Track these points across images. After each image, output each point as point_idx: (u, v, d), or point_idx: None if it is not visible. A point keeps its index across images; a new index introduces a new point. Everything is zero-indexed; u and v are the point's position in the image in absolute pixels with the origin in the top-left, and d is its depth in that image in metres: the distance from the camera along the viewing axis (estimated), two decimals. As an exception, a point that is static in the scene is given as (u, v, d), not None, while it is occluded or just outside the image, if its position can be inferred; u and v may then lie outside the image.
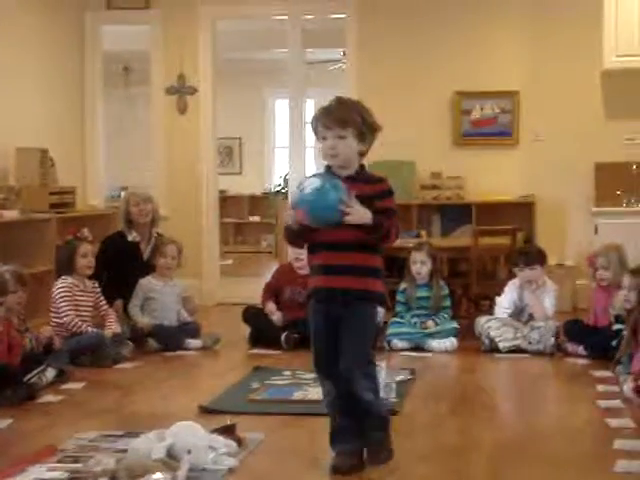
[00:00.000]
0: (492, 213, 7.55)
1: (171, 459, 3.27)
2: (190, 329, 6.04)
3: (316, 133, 3.37)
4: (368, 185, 3.30)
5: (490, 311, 6.16)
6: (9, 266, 4.97)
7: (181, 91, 8.13)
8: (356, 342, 3.36)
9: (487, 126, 7.91)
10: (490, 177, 7.78)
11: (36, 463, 3.41)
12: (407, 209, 7.76)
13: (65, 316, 5.47)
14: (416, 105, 7.93)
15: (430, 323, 5.89)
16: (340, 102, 3.36)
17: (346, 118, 3.28)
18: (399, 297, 6.09)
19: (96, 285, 5.78)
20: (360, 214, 3.20)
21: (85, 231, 5.88)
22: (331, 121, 3.28)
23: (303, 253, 6.10)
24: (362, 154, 3.37)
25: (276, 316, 6.02)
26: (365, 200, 3.23)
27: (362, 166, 3.39)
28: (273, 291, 6.22)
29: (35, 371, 4.66)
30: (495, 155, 7.86)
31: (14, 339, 4.62)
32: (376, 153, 7.72)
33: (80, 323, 5.48)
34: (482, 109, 7.89)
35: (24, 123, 7.13)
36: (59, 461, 3.47)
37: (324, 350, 3.44)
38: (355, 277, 3.35)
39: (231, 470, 3.34)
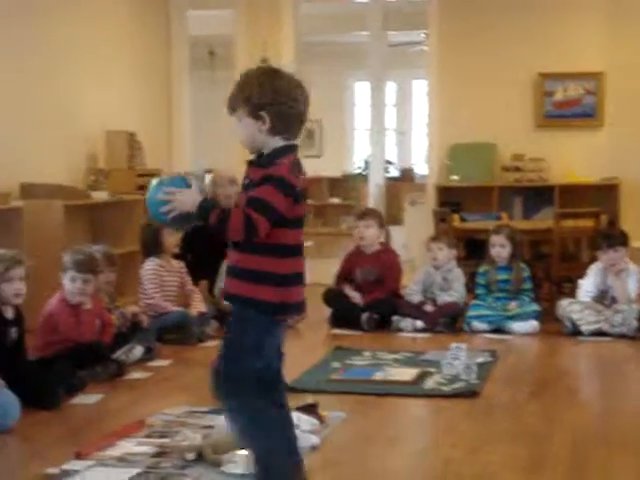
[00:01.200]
0: (575, 195, 7.48)
1: (255, 435, 3.35)
2: (273, 310, 6.12)
3: None
4: (261, 169, 2.71)
5: (572, 294, 6.11)
6: (99, 246, 5.13)
7: (264, 75, 8.21)
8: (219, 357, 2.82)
9: (571, 107, 7.82)
10: (573, 159, 7.70)
11: (125, 437, 3.53)
12: (488, 191, 7.74)
13: (151, 298, 5.61)
14: (498, 87, 7.88)
15: (512, 305, 5.87)
16: (236, 83, 2.79)
17: (232, 101, 2.76)
18: (479, 279, 6.09)
19: (182, 265, 5.91)
20: (181, 202, 2.68)
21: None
22: (227, 107, 2.80)
23: (365, 232, 6.17)
24: (272, 132, 2.73)
25: (356, 297, 6.07)
26: (251, 187, 2.72)
27: (282, 148, 2.73)
28: (345, 274, 6.26)
29: (123, 349, 4.81)
30: (578, 137, 7.77)
31: (106, 318, 4.76)
32: (458, 136, 7.88)
33: (165, 305, 5.61)
34: (566, 90, 7.79)
35: (113, 107, 7.31)
36: (147, 436, 3.58)
37: None
38: (229, 279, 2.80)
39: (314, 448, 3.40)
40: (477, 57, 7.92)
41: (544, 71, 7.78)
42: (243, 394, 2.74)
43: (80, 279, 4.52)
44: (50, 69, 6.37)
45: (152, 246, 5.77)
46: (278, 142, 2.73)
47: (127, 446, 3.43)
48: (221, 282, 6.10)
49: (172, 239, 5.79)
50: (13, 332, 4.13)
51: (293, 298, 2.75)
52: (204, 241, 6.30)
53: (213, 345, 5.50)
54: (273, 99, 2.69)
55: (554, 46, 7.76)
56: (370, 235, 6.20)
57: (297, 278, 2.75)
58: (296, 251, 2.76)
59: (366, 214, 6.40)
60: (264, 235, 2.64)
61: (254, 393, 2.74)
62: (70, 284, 4.51)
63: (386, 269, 6.16)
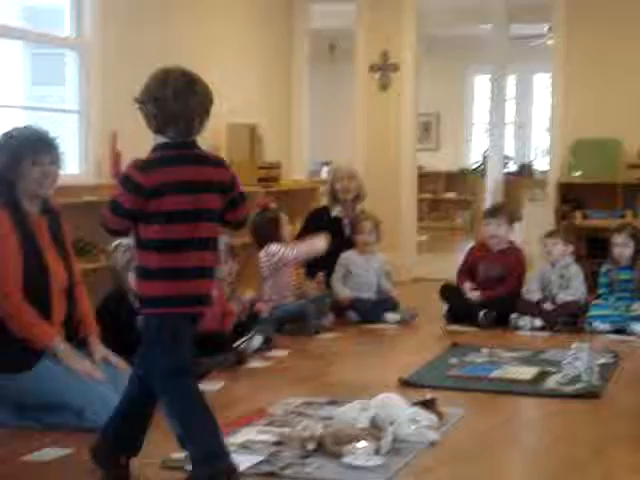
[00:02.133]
0: (703, 194, 7.23)
1: (375, 429, 3.38)
2: (389, 303, 6.15)
3: None
4: None
5: None
6: (220, 238, 5.22)
7: (384, 68, 8.22)
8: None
9: (700, 103, 7.55)
10: (702, 156, 7.44)
11: (247, 425, 3.61)
12: (612, 188, 7.55)
13: (293, 255, 5.69)
14: (623, 81, 7.67)
15: (636, 306, 5.72)
16: None
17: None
18: (602, 279, 5.96)
19: None
20: None
21: (273, 203, 6.06)
22: None
23: (498, 230, 6.11)
24: (154, 130, 2.90)
25: (474, 294, 6.03)
26: None
27: (157, 145, 2.90)
28: (468, 270, 6.22)
29: (243, 338, 4.90)
30: None
31: (228, 308, 4.86)
32: (582, 131, 7.71)
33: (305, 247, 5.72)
34: (695, 85, 7.54)
35: (236, 101, 7.42)
36: (268, 424, 3.64)
37: None
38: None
39: (432, 443, 3.40)
40: (602, 52, 7.72)
41: (672, 65, 7.55)
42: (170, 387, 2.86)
43: None
44: (174, 62, 6.51)
45: (271, 235, 5.84)
46: (161, 139, 2.88)
47: (249, 434, 3.49)
48: (338, 273, 6.16)
49: (289, 228, 5.86)
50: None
51: (183, 291, 2.85)
52: (322, 234, 6.42)
53: (330, 337, 5.57)
54: (143, 98, 2.88)
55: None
56: (501, 234, 6.14)
57: (172, 272, 2.84)
58: (174, 246, 2.83)
59: (496, 211, 6.31)
60: (123, 230, 2.93)
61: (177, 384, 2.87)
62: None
63: (511, 267, 6.09)
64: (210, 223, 2.90)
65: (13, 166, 3.60)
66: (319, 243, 5.70)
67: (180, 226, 2.84)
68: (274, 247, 5.73)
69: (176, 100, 2.87)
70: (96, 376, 3.58)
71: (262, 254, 5.78)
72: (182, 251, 2.85)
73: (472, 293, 6.03)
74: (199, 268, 2.89)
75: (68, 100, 5.84)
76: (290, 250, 5.71)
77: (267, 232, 5.86)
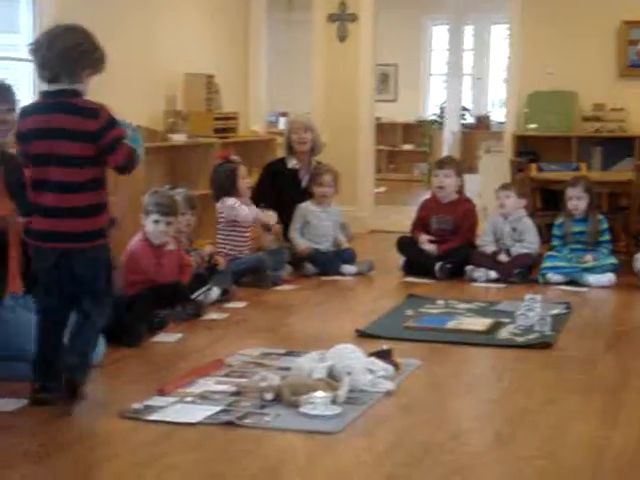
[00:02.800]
0: (656, 147, 7.33)
1: (332, 379, 3.42)
2: (346, 255, 6.18)
3: None
4: None
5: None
6: (180, 189, 5.21)
7: (342, 18, 8.16)
8: None
9: (656, 57, 7.62)
10: (656, 110, 7.53)
11: (205, 376, 3.64)
12: (567, 141, 7.63)
13: (249, 217, 5.69)
14: (581, 34, 7.71)
15: (588, 257, 5.81)
16: None
17: None
18: (556, 231, 6.04)
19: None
20: None
21: (233, 155, 6.02)
22: None
23: (445, 181, 6.16)
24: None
25: (430, 247, 6.08)
26: None
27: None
28: (422, 223, 6.26)
29: (201, 290, 4.91)
30: (662, 87, 7.58)
31: (185, 260, 4.86)
32: (538, 83, 7.75)
33: (261, 214, 5.75)
34: (651, 39, 7.60)
35: (192, 50, 7.35)
36: (226, 375, 3.68)
37: None
38: None
39: (388, 393, 3.46)
40: (560, 3, 7.75)
41: (629, 19, 7.58)
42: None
43: (163, 222, 4.61)
44: (129, 13, 6.41)
45: (228, 187, 5.82)
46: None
47: (207, 384, 3.53)
48: (296, 224, 6.17)
49: (246, 182, 5.84)
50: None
51: (34, 226, 3.29)
52: (281, 185, 6.43)
53: (287, 289, 5.60)
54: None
55: (640, -7, 7.56)
56: (449, 184, 6.19)
57: (37, 209, 3.26)
58: (36, 186, 3.26)
59: (445, 163, 6.37)
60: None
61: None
62: (153, 226, 4.61)
63: (462, 219, 6.15)
64: (65, 167, 3.22)
65: None
66: (271, 219, 5.76)
67: (38, 168, 3.25)
68: (230, 201, 5.71)
69: (46, 49, 3.19)
70: None
71: (219, 206, 5.77)
72: (41, 190, 3.25)
73: (427, 246, 6.08)
74: (60, 208, 3.23)
75: (21, 48, 5.74)
76: (248, 212, 5.69)
77: (223, 184, 5.82)
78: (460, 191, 6.30)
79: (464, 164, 6.71)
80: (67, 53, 3.19)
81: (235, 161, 5.89)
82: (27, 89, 5.59)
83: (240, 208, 5.69)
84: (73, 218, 3.24)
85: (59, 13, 5.69)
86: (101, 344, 3.63)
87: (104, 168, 3.31)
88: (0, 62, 5.87)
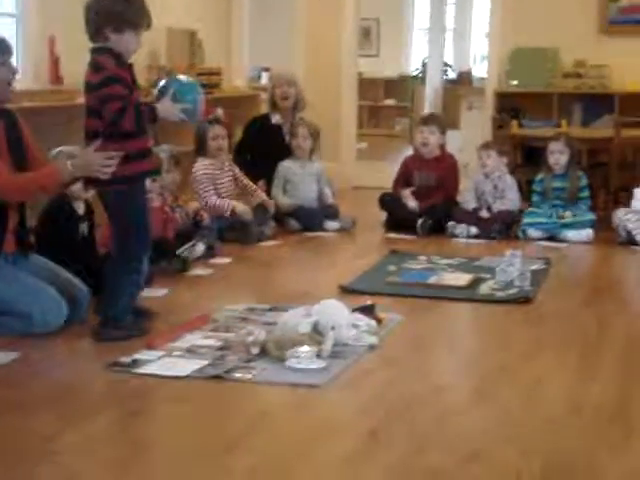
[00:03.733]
0: (636, 104, 7.36)
1: (316, 334, 3.50)
2: (329, 211, 6.23)
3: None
4: None
5: (629, 203, 6.11)
6: (165, 146, 5.24)
7: (324, -29, 8.14)
8: None
9: (636, 13, 7.64)
10: (637, 67, 7.55)
11: (192, 330, 3.70)
12: (548, 97, 7.66)
13: (206, 199, 5.73)
14: (563, -10, 7.72)
15: (567, 213, 5.89)
16: None
17: None
18: (535, 187, 6.11)
19: (230, 160, 6.01)
20: None
21: (218, 111, 6.02)
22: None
23: (429, 138, 6.20)
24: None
25: (413, 202, 6.14)
26: None
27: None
28: (404, 179, 6.32)
29: (186, 245, 4.96)
30: (644, 44, 7.61)
31: (169, 215, 4.90)
32: (520, 39, 7.77)
33: (221, 204, 5.71)
34: (633, -5, 7.62)
35: (174, 4, 7.31)
36: (212, 330, 3.74)
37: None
38: None
39: (371, 347, 3.54)
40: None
41: (611, -25, 7.60)
42: None
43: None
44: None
45: (200, 147, 5.87)
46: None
47: (194, 339, 3.59)
48: (278, 182, 6.21)
49: (215, 143, 5.83)
50: (84, 227, 4.29)
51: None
52: (265, 141, 6.46)
53: (271, 245, 5.66)
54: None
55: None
56: (433, 141, 6.24)
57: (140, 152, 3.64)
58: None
59: (430, 119, 6.41)
60: None
61: None
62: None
63: (445, 174, 6.21)
64: (89, 118, 3.55)
65: None
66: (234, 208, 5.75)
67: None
68: (197, 165, 5.77)
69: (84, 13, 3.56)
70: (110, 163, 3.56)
71: (194, 166, 5.83)
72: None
73: (410, 202, 6.14)
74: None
75: (3, 2, 5.71)
76: (208, 196, 5.74)
77: (197, 143, 5.88)
78: (442, 147, 6.35)
79: (447, 120, 6.73)
80: (87, 16, 3.51)
81: (218, 119, 5.90)
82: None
83: (198, 182, 5.73)
84: None
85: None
86: (61, 308, 3.67)
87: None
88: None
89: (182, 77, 3.88)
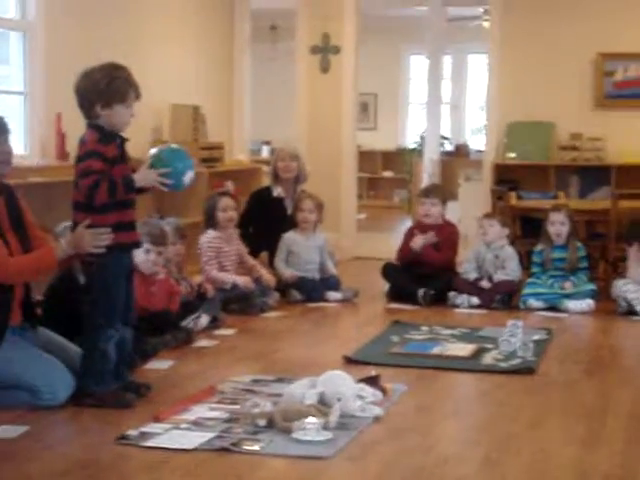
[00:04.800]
0: (632, 176, 7.50)
1: (322, 405, 3.51)
2: (331, 282, 6.28)
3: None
4: None
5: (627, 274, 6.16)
6: (170, 219, 5.31)
7: (325, 50, 8.31)
8: None
9: (630, 88, 7.81)
10: (632, 140, 7.70)
11: (198, 403, 3.71)
12: (545, 170, 7.79)
13: (207, 272, 5.78)
14: (558, 65, 7.90)
15: (568, 284, 5.95)
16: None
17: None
18: (535, 258, 6.17)
19: (238, 233, 6.07)
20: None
21: (228, 184, 6.10)
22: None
23: (431, 209, 6.27)
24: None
25: (418, 243, 6.16)
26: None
27: None
28: (408, 249, 6.35)
29: (191, 317, 4.99)
30: (638, 117, 7.76)
31: (174, 288, 4.95)
32: (516, 113, 7.92)
33: (222, 277, 5.75)
34: (626, 71, 7.79)
35: (178, 80, 7.46)
36: (218, 402, 3.75)
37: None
38: None
39: (377, 418, 3.55)
40: (538, 35, 7.94)
41: (604, 51, 7.78)
42: None
43: (154, 251, 4.72)
44: (116, 47, 6.50)
45: (209, 219, 5.95)
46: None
47: (200, 411, 3.60)
48: (281, 254, 6.26)
49: (226, 215, 5.91)
50: (87, 299, 4.32)
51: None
52: (267, 214, 6.53)
53: (275, 316, 5.69)
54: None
55: (617, 26, 7.76)
56: (435, 212, 6.32)
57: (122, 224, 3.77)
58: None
59: (431, 191, 6.48)
60: None
61: None
62: (144, 256, 4.69)
63: (446, 237, 6.28)
64: (74, 189, 3.69)
65: None
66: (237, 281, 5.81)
67: None
68: (204, 237, 5.83)
69: None
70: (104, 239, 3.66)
71: (201, 238, 5.90)
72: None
73: (416, 242, 6.17)
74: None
75: (12, 80, 5.83)
76: (211, 269, 5.81)
77: (206, 216, 5.97)
78: (443, 217, 6.44)
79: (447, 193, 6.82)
80: (77, 96, 3.65)
81: (226, 192, 5.99)
82: (18, 121, 5.68)
83: (204, 257, 5.80)
84: None
85: (49, 45, 5.81)
86: (66, 382, 3.69)
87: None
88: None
89: (168, 146, 3.97)
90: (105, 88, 3.58)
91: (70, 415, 3.60)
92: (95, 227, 3.64)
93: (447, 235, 6.31)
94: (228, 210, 5.93)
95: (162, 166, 3.67)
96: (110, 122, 3.62)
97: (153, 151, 3.80)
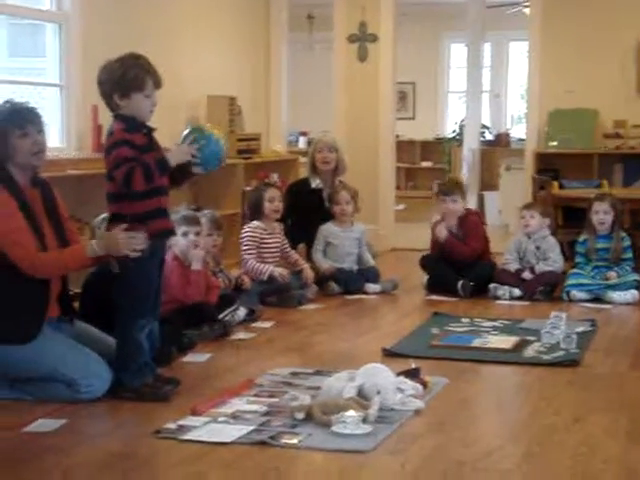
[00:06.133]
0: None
1: (362, 398, 3.46)
2: (370, 274, 6.22)
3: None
4: None
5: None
6: (207, 211, 5.28)
7: (362, 39, 8.24)
8: None
9: (675, 73, 7.65)
10: (678, 126, 7.55)
11: (236, 396, 3.68)
12: (588, 158, 7.66)
13: (246, 261, 5.75)
14: (600, 51, 7.77)
15: (612, 274, 5.83)
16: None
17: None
18: (579, 248, 6.06)
19: (282, 227, 6.03)
20: None
21: (274, 176, 6.08)
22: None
23: (453, 205, 6.19)
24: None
25: (442, 233, 6.08)
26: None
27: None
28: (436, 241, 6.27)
29: (228, 310, 4.96)
30: (684, 103, 7.62)
31: (212, 280, 4.93)
32: (558, 101, 7.80)
33: (260, 268, 5.71)
34: (670, 56, 7.64)
35: (214, 72, 7.43)
36: (256, 395, 3.72)
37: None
38: None
39: (417, 411, 3.50)
40: (580, 21, 7.81)
41: (648, 36, 7.64)
42: None
43: (192, 232, 4.76)
44: (152, 38, 6.49)
45: (255, 210, 5.91)
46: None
47: (238, 404, 3.57)
48: (319, 245, 6.22)
49: (273, 205, 5.89)
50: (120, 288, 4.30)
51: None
52: (305, 205, 6.48)
53: (313, 308, 5.64)
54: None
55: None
56: (456, 209, 6.22)
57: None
58: None
59: (451, 189, 6.32)
60: None
61: None
62: (183, 239, 4.71)
63: (469, 229, 6.18)
64: (108, 181, 3.68)
65: (2, 143, 3.62)
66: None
67: None
68: (247, 227, 5.80)
69: None
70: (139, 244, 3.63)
71: (244, 229, 5.87)
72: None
73: (440, 231, 6.10)
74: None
75: (48, 73, 5.83)
76: (248, 259, 5.76)
77: (251, 207, 5.94)
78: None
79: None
80: (98, 89, 3.67)
81: (272, 183, 5.96)
82: (54, 113, 5.68)
83: (243, 246, 5.77)
84: None
85: (85, 37, 5.80)
86: (103, 377, 3.68)
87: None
88: (27, 86, 5.98)
89: (202, 125, 3.99)
90: (120, 78, 3.58)
91: (108, 408, 3.59)
92: (131, 223, 3.61)
93: (471, 226, 6.21)
94: (275, 201, 5.90)
95: (198, 135, 3.67)
96: (130, 112, 3.61)
97: (189, 131, 3.77)
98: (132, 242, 3.59)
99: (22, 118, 3.66)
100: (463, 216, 6.24)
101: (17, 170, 3.67)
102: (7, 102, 3.74)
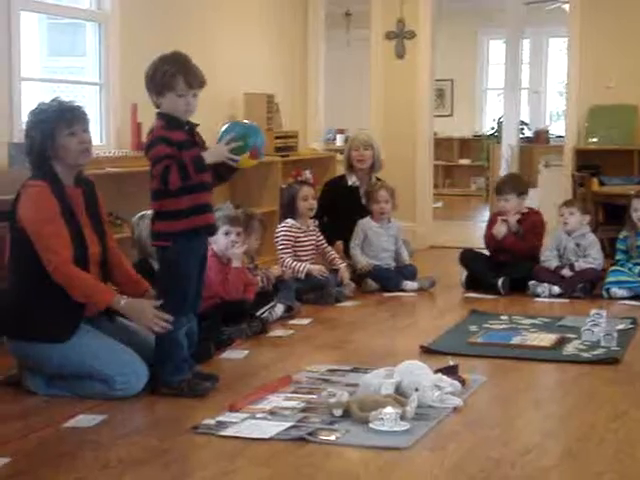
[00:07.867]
0: None
1: (400, 395, 3.45)
2: (407, 271, 6.20)
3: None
4: None
5: None
6: (244, 208, 5.30)
7: (400, 36, 8.22)
8: None
9: None
10: None
11: (274, 392, 3.68)
12: (628, 154, 7.59)
13: (282, 260, 5.75)
14: (640, 47, 7.68)
15: (653, 272, 5.78)
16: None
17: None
18: (619, 245, 6.00)
19: (316, 224, 6.03)
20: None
21: (307, 173, 6.07)
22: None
23: (505, 205, 6.12)
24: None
25: (501, 230, 6.02)
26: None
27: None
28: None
29: (266, 307, 4.98)
30: None
31: (250, 277, 4.94)
32: (598, 97, 7.72)
33: (297, 266, 5.72)
34: None
35: (252, 69, 7.45)
36: (294, 391, 3.72)
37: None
38: None
39: (456, 409, 3.48)
40: (619, 17, 7.73)
41: (690, 29, 7.55)
42: None
43: (234, 232, 4.78)
44: (190, 35, 6.52)
45: (289, 208, 5.92)
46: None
47: (276, 401, 3.57)
48: (357, 240, 6.20)
49: (307, 203, 5.89)
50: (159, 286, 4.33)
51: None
52: (342, 202, 6.48)
53: (350, 305, 5.64)
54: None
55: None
56: (510, 208, 6.16)
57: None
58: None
59: (503, 187, 6.23)
60: None
61: None
62: (224, 238, 4.74)
63: (530, 227, 6.13)
64: (150, 178, 3.71)
65: (49, 141, 3.65)
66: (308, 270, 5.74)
67: None
68: (282, 226, 5.80)
69: None
70: (163, 324, 3.65)
71: (278, 228, 5.87)
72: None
73: (497, 229, 6.04)
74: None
75: (87, 72, 5.88)
76: (284, 257, 5.76)
77: (285, 205, 5.95)
78: (527, 207, 6.28)
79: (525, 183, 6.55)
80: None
81: (306, 181, 5.96)
82: (94, 112, 5.73)
83: (279, 245, 5.77)
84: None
85: (124, 36, 5.84)
86: (139, 374, 3.70)
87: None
88: (67, 85, 6.03)
89: (240, 122, 4.00)
90: (152, 78, 3.64)
91: (146, 404, 3.61)
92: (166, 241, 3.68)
93: (532, 223, 6.16)
94: (309, 199, 5.90)
95: (237, 134, 3.66)
96: (167, 110, 3.64)
97: (225, 126, 3.78)
98: (157, 321, 3.64)
99: (69, 117, 3.69)
100: (525, 215, 6.17)
101: (62, 168, 3.70)
102: (54, 101, 3.77)
